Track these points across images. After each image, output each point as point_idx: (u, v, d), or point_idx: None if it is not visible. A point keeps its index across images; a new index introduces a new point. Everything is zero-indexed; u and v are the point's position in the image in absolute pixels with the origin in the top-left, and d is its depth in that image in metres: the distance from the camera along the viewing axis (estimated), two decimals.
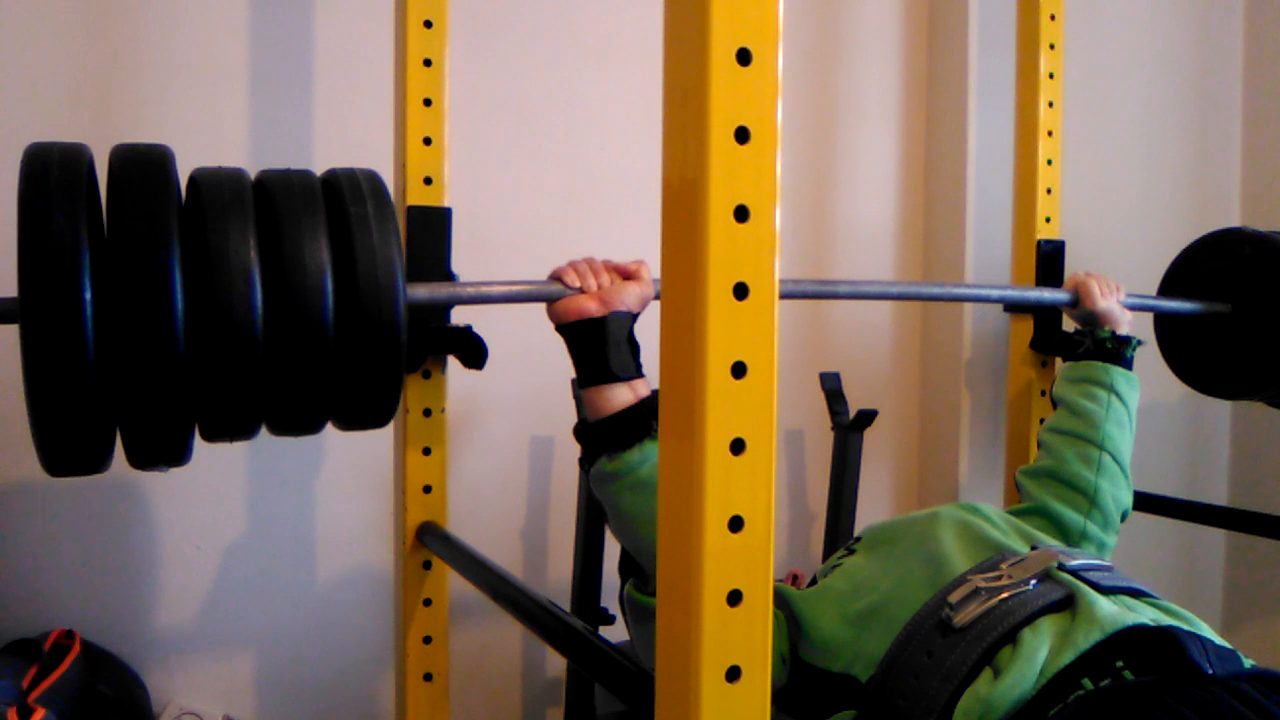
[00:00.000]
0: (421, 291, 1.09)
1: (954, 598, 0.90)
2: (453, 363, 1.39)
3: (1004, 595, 0.89)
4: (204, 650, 1.49)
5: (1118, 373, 1.36)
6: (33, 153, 0.79)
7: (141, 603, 1.45)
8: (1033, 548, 1.00)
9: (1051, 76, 1.78)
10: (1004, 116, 1.85)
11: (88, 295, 0.74)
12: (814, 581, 1.11)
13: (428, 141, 1.36)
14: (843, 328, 1.97)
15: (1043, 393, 1.80)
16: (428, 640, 1.42)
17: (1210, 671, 0.79)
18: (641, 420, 0.99)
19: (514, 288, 1.10)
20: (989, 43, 1.93)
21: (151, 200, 0.78)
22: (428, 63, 1.36)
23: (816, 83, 1.94)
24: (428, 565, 1.41)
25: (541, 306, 1.09)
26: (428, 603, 1.42)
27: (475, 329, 1.32)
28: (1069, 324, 1.68)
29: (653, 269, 0.99)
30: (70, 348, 0.74)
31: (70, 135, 1.38)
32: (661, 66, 0.63)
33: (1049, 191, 1.79)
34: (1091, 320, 1.48)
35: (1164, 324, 1.77)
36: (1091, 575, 0.92)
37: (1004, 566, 0.93)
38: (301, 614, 1.55)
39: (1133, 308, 1.52)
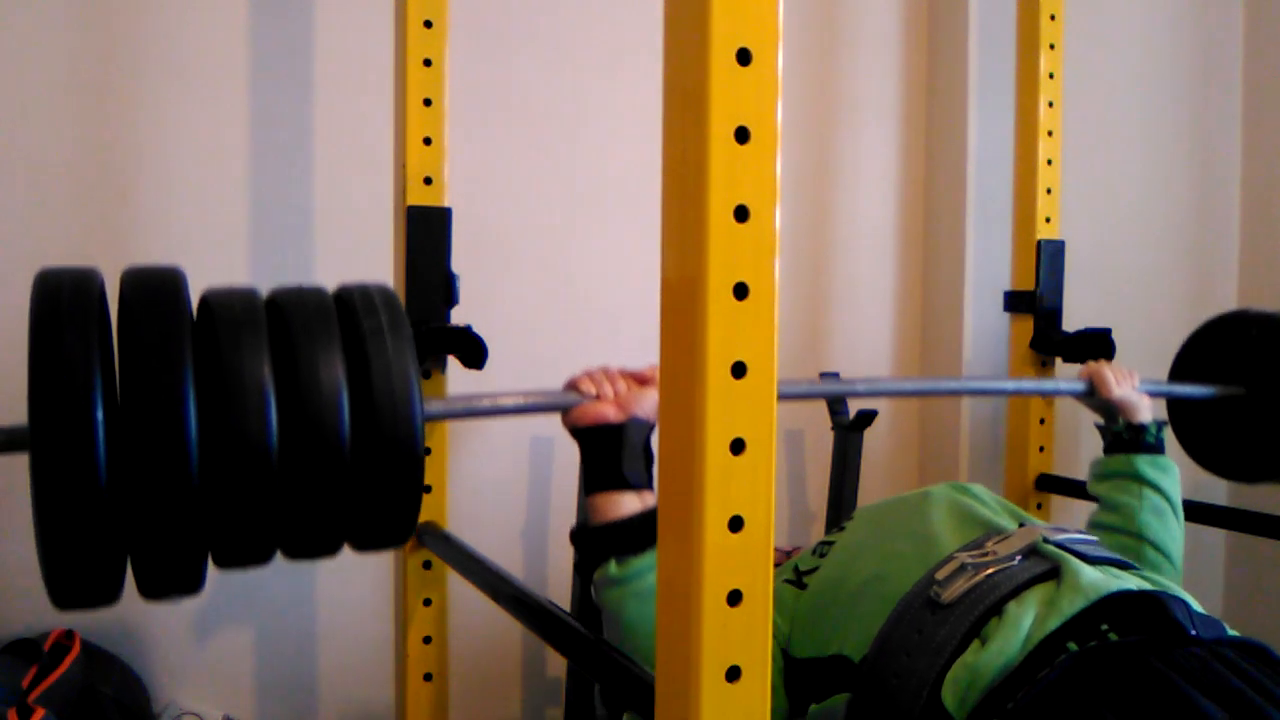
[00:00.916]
0: (436, 406, 1.08)
1: (941, 575, 0.91)
2: (453, 363, 1.39)
3: (990, 570, 0.90)
4: (204, 650, 1.49)
5: (1142, 461, 1.34)
6: (44, 278, 0.76)
7: (141, 603, 1.45)
8: (1020, 525, 1.01)
9: (1051, 76, 1.78)
10: (1004, 116, 1.85)
11: (100, 433, 0.71)
12: (811, 563, 1.11)
13: (428, 141, 1.36)
14: (843, 328, 1.98)
15: None
16: (428, 640, 1.42)
17: (1194, 634, 0.80)
18: (655, 527, 0.98)
19: (530, 399, 1.06)
20: (989, 43, 1.93)
21: (163, 328, 0.75)
22: (428, 63, 1.36)
23: (816, 83, 1.94)
24: (428, 565, 1.41)
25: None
26: (428, 603, 1.42)
27: (475, 329, 1.32)
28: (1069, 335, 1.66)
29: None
30: (82, 481, 0.71)
31: (68, 135, 1.40)
32: (661, 66, 0.63)
33: (1049, 191, 1.79)
34: (1109, 409, 1.43)
35: (1177, 408, 1.72)
36: (1078, 547, 0.93)
37: (990, 544, 0.94)
38: (301, 614, 1.55)
39: (1146, 393, 1.47)
